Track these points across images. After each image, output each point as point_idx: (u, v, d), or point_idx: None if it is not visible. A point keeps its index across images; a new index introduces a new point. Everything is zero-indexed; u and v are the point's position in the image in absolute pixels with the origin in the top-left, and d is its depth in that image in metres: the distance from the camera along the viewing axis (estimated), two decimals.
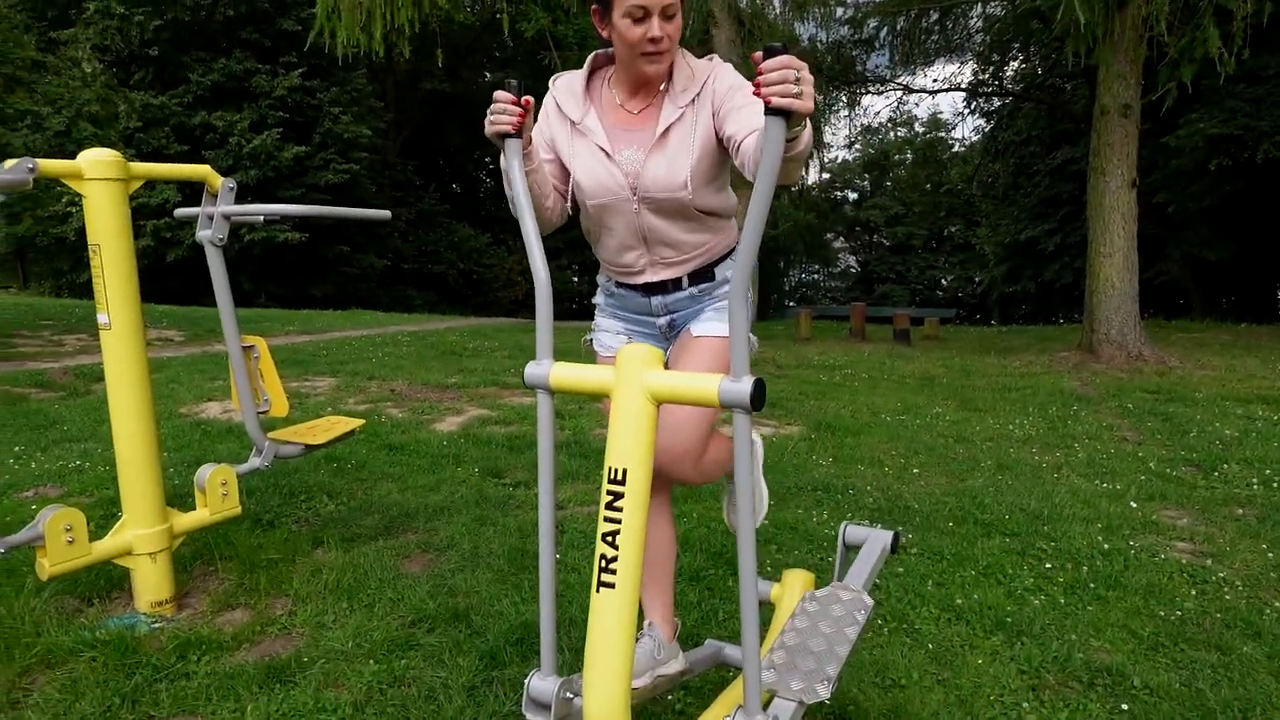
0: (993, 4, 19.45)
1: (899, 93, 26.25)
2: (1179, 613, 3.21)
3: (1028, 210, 27.76)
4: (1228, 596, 3.35)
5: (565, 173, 2.17)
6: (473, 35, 27.96)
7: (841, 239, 49.77)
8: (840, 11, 18.79)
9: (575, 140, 2.14)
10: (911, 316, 12.59)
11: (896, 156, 47.88)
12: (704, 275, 2.23)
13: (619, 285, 2.29)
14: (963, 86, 27.39)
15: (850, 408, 7.18)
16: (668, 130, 2.06)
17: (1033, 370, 8.99)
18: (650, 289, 2.24)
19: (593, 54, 2.17)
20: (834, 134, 47.29)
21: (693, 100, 2.06)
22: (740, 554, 1.67)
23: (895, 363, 9.81)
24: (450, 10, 15.81)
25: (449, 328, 13.51)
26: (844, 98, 26.05)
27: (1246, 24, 8.09)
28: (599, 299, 2.37)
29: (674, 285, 2.22)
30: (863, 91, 26.59)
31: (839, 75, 23.38)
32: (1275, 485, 4.76)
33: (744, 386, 1.59)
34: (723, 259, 2.25)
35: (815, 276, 51.34)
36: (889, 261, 45.56)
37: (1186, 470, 5.12)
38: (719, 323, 2.21)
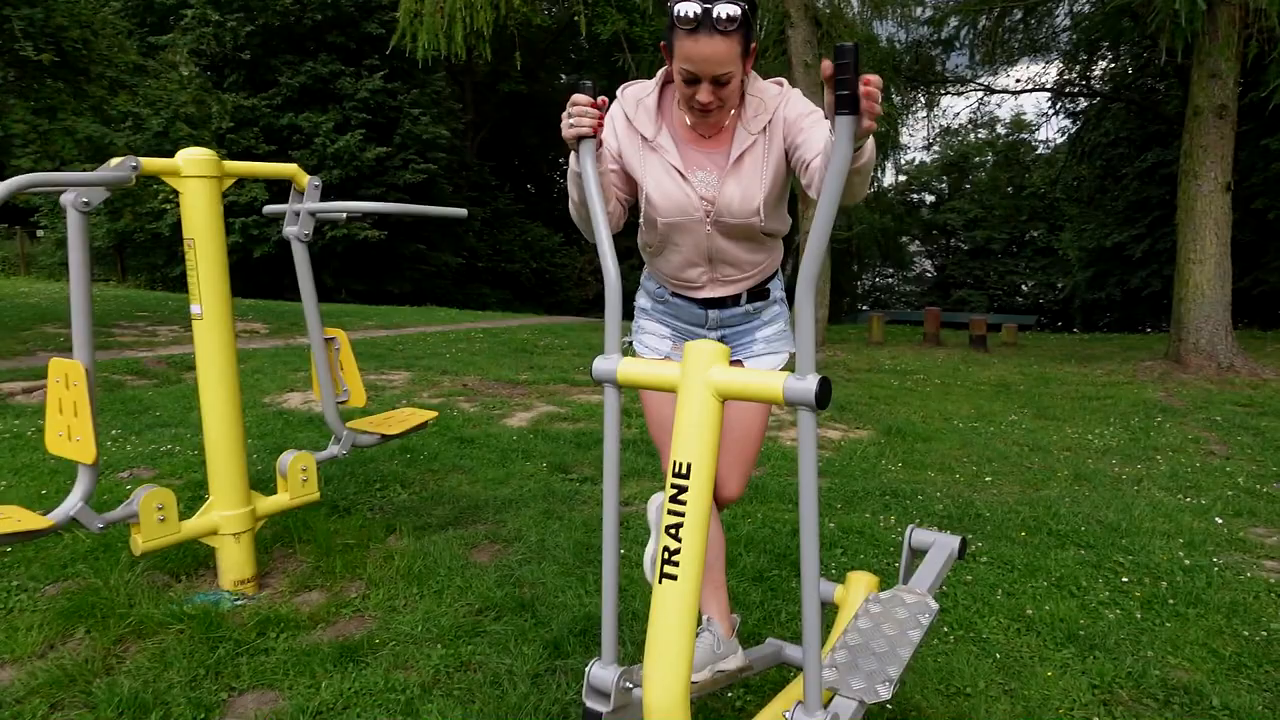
0: (1081, 2, 18.85)
1: (980, 93, 25.66)
2: (1264, 633, 3.09)
3: (1115, 215, 26.80)
4: None
5: (627, 183, 2.20)
6: (550, 37, 28.32)
7: (918, 243, 48.77)
8: (919, 11, 18.45)
9: (647, 155, 2.16)
10: (989, 322, 12.28)
11: (976, 159, 46.70)
12: (760, 293, 2.31)
13: (674, 295, 2.32)
14: (1047, 87, 26.58)
15: (921, 413, 7.06)
16: (741, 156, 2.10)
17: (1115, 380, 8.69)
18: (708, 303, 2.28)
19: (663, 69, 2.19)
20: (911, 135, 46.42)
21: (764, 128, 2.09)
22: (803, 551, 1.68)
23: (970, 369, 9.59)
24: (528, 13, 16.05)
25: (521, 325, 13.72)
26: (922, 98, 25.58)
27: None
28: (645, 303, 2.39)
29: (732, 301, 2.28)
30: (942, 92, 26.05)
31: (917, 75, 22.94)
32: None
33: (809, 384, 1.60)
34: (774, 276, 2.35)
35: (890, 280, 50.41)
36: (967, 266, 44.45)
37: (1278, 487, 4.90)
38: (771, 355, 2.32)
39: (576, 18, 15.36)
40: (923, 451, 5.79)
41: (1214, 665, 2.87)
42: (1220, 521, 4.25)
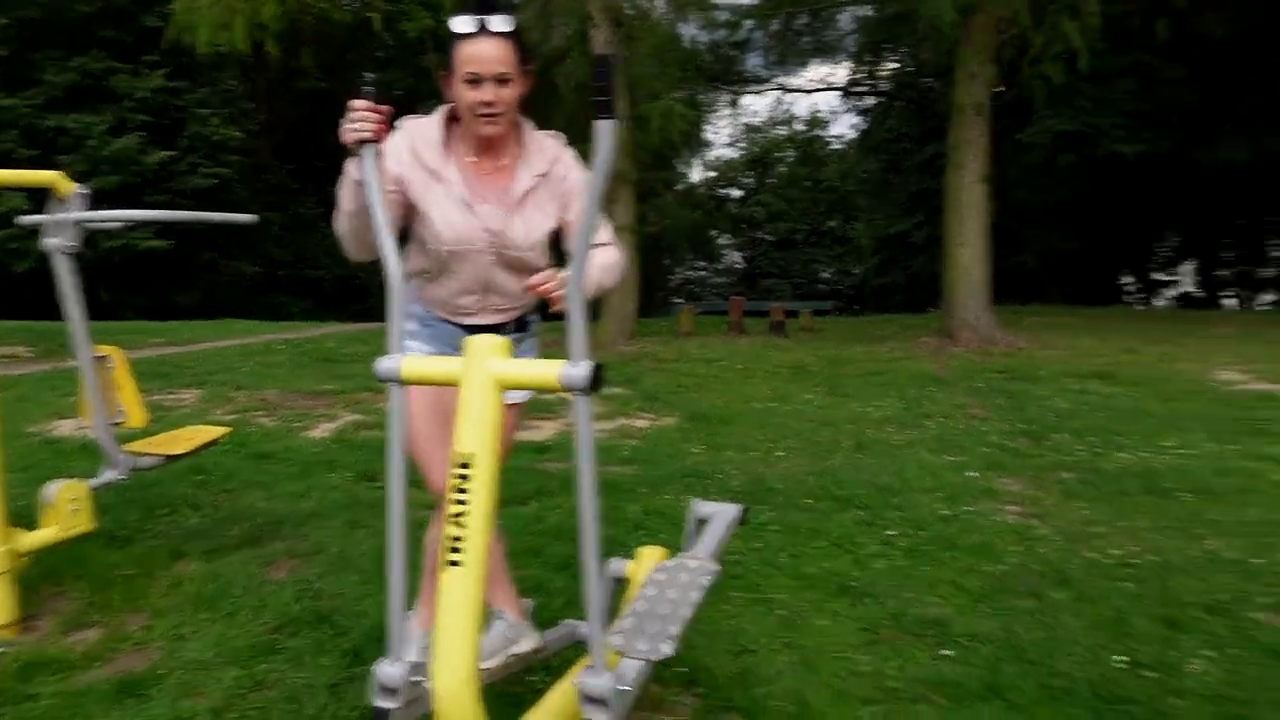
0: (865, 7, 20.23)
1: (777, 92, 27.11)
2: (1003, 568, 3.52)
3: (899, 204, 29.03)
4: (1044, 550, 3.69)
5: (400, 210, 2.24)
6: (348, 34, 27.26)
7: (726, 236, 50.71)
8: (718, 14, 19.21)
9: (433, 186, 2.22)
10: (786, 309, 13.05)
11: (777, 154, 49.12)
12: (522, 325, 2.46)
13: (441, 320, 2.40)
14: (837, 86, 28.46)
15: (724, 398, 7.43)
16: (525, 195, 2.26)
17: (896, 356, 9.50)
18: (474, 330, 2.35)
19: (445, 106, 2.26)
20: (716, 133, 48.10)
21: (544, 174, 2.27)
22: (581, 523, 1.80)
23: (770, 353, 10.18)
24: (326, 8, 15.39)
25: (325, 334, 13.20)
26: (725, 97, 26.77)
27: (1099, 22, 8.75)
28: (411, 326, 2.41)
29: (497, 330, 2.36)
30: (742, 90, 27.38)
31: (719, 75, 23.99)
32: (1098, 450, 5.23)
33: (582, 370, 1.73)
34: (534, 310, 2.49)
35: (701, 273, 52.17)
36: (772, 256, 46.71)
37: (1023, 441, 5.56)
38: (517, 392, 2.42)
39: (370, 15, 14.90)
40: (724, 434, 6.11)
41: (962, 599, 3.25)
42: (975, 475, 4.79)
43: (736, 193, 50.60)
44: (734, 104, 28.94)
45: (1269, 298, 27.52)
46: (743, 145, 49.07)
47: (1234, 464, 4.83)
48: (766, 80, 25.98)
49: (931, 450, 5.38)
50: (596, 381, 1.76)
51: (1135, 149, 15.60)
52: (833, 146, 46.57)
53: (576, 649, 2.74)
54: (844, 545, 3.80)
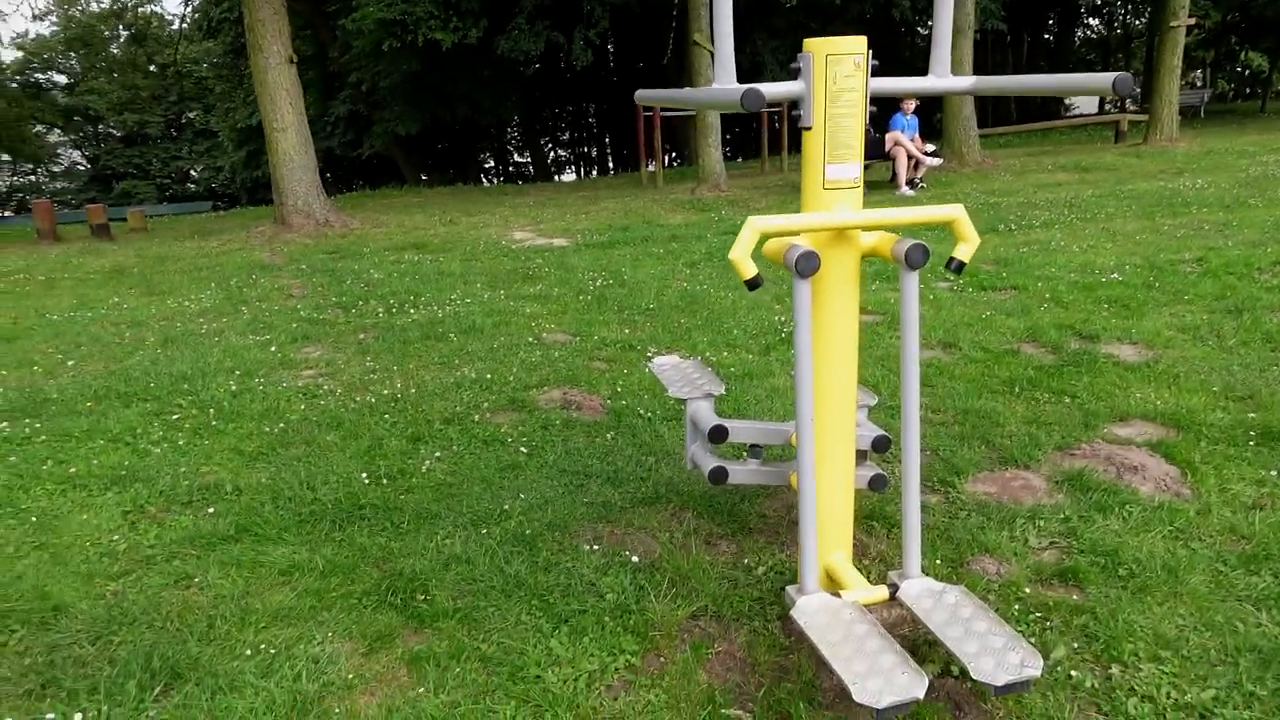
0: None
1: None
2: (283, 425, 3.81)
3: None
4: (325, 403, 4.07)
5: None
6: None
7: (59, 132, 42.16)
8: None
9: None
10: (109, 211, 11.57)
11: (108, 33, 41.73)
12: None
13: None
14: None
15: (13, 314, 6.44)
16: None
17: (229, 248, 9.19)
18: None
19: None
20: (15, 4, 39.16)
21: None
22: None
23: (85, 259, 9.01)
24: None
25: None
26: None
27: None
28: None
29: None
30: None
31: None
32: (394, 311, 5.83)
33: None
34: None
35: (32, 178, 42.93)
36: (124, 155, 40.27)
37: (333, 312, 5.92)
38: None
39: None
40: (6, 352, 5.33)
41: (237, 462, 3.45)
42: (275, 350, 4.99)
43: (60, 78, 42.06)
44: None
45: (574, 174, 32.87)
46: (55, 21, 40.69)
47: (500, 305, 5.83)
48: None
49: (240, 334, 5.43)
50: None
51: (450, 37, 16.92)
52: (174, 26, 41.18)
53: None
54: (123, 439, 3.70)
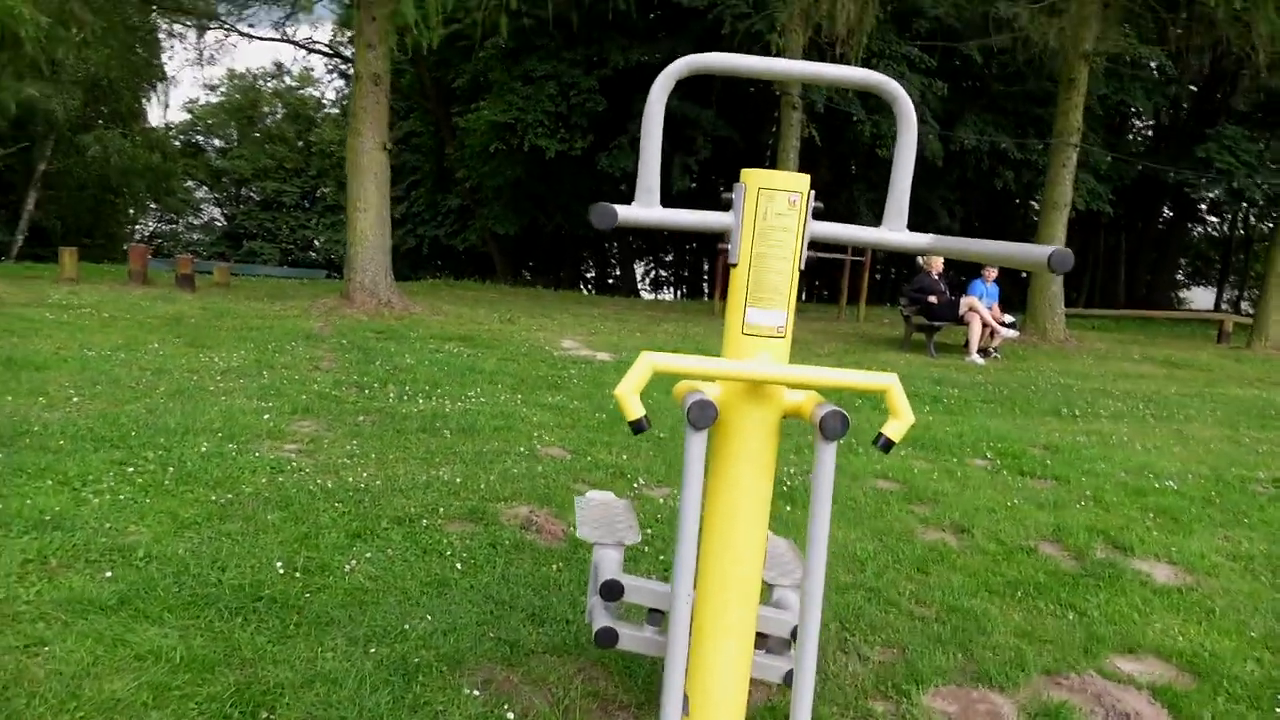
0: None
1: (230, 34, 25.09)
2: (230, 496, 3.66)
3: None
4: (285, 480, 3.92)
5: None
6: None
7: (205, 188, 45.57)
8: None
9: None
10: (196, 263, 12.13)
11: (267, 109, 45.48)
12: None
13: None
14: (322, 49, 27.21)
15: (57, 345, 6.62)
16: None
17: (288, 314, 9.41)
18: None
19: None
20: (191, 70, 43.05)
21: None
22: None
23: (154, 304, 9.34)
24: None
25: None
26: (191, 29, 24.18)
27: (441, 6, 9.44)
28: None
29: None
30: (205, 24, 24.83)
31: (179, 5, 21.48)
32: (406, 398, 5.74)
33: None
34: None
35: (174, 226, 46.23)
36: (258, 218, 43.13)
37: (347, 390, 5.87)
38: None
39: None
40: (30, 380, 5.43)
41: (166, 526, 3.29)
42: (268, 418, 4.91)
43: (218, 142, 45.80)
44: (201, 38, 26.21)
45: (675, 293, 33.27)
46: (224, 93, 44.65)
47: (510, 409, 5.68)
48: (218, 16, 24.09)
49: (247, 397, 5.40)
50: None
51: (554, 145, 17.61)
52: (328, 111, 44.54)
53: None
54: (72, 483, 3.61)
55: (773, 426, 1.83)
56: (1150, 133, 28.09)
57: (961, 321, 10.82)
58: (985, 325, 10.76)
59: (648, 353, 1.69)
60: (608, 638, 2.12)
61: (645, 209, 1.74)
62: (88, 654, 2.38)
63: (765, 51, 12.46)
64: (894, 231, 1.85)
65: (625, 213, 1.68)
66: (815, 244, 1.86)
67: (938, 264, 10.94)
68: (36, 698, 2.17)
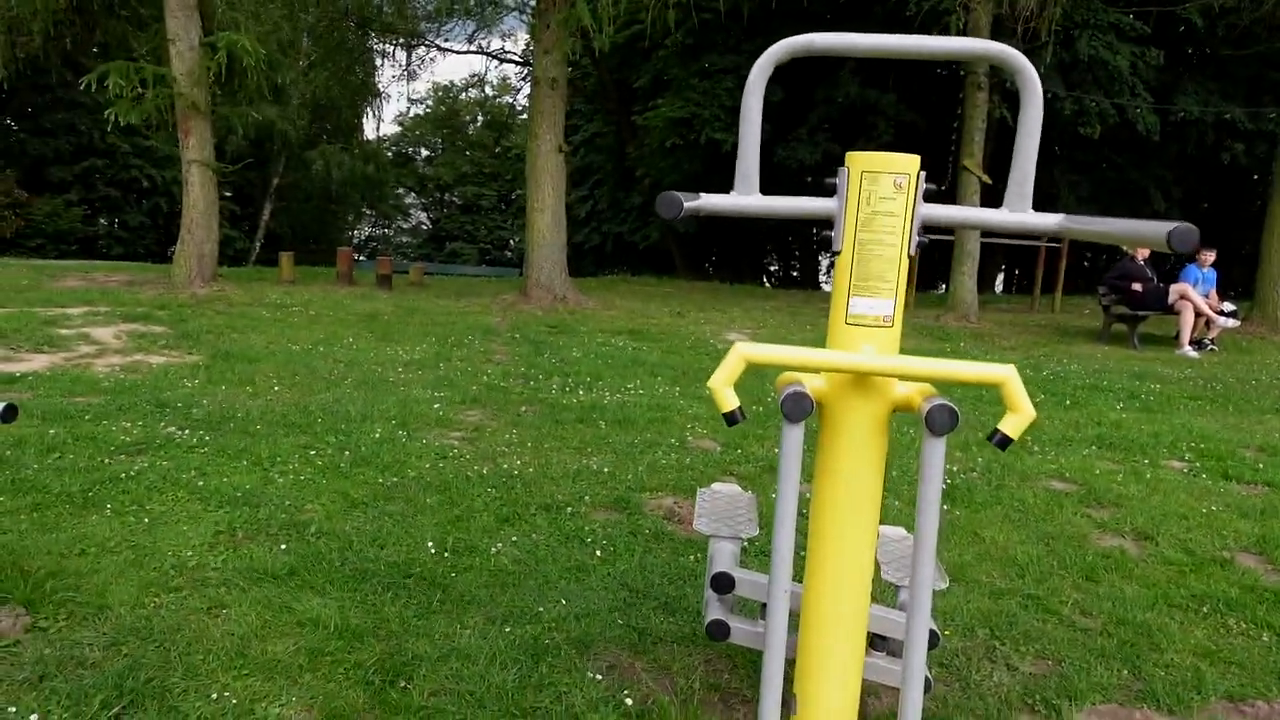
0: None
1: (438, 51, 26.89)
2: (397, 479, 3.93)
3: (569, 178, 30.00)
4: (445, 466, 4.15)
5: None
6: None
7: (413, 195, 49.33)
8: None
9: None
10: (394, 264, 13.07)
11: (468, 118, 48.55)
12: None
13: None
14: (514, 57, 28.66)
15: (269, 340, 7.34)
16: None
17: (471, 310, 9.96)
18: None
19: None
20: (400, 87, 46.56)
21: None
22: None
23: (354, 303, 10.16)
24: None
25: None
26: (400, 50, 26.22)
27: (613, 9, 9.59)
28: None
29: None
30: (412, 43, 26.84)
31: (392, 25, 23.37)
32: (569, 390, 5.93)
33: None
34: None
35: (386, 230, 50.35)
36: (459, 220, 46.15)
37: (514, 381, 6.14)
38: None
39: None
40: (240, 371, 6.06)
41: (340, 505, 3.58)
42: (439, 407, 5.22)
43: (425, 152, 49.41)
44: (408, 57, 28.35)
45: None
46: (429, 105, 48.08)
47: (668, 402, 5.74)
48: (424, 35, 25.83)
49: (423, 387, 5.76)
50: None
51: (730, 138, 17.54)
52: (521, 117, 46.86)
53: None
54: (263, 464, 4.00)
55: (880, 420, 1.75)
56: None
57: (1172, 311, 9.83)
58: (1199, 314, 9.73)
59: (741, 344, 1.66)
60: (719, 631, 2.11)
61: (732, 197, 1.71)
62: (258, 618, 2.64)
63: (945, 33, 11.83)
64: (1016, 212, 1.71)
65: (700, 201, 1.65)
66: (929, 228, 1.76)
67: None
68: (211, 655, 2.43)
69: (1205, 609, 3.07)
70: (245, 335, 7.52)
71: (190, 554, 3.04)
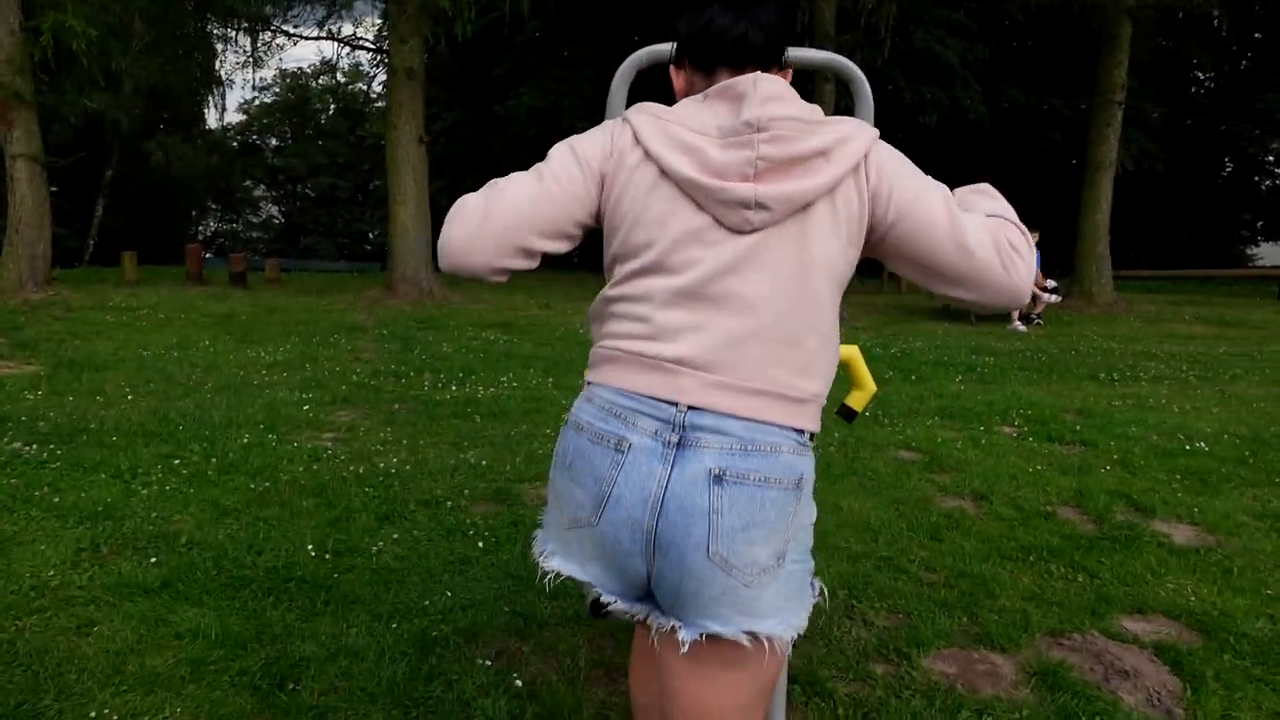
0: None
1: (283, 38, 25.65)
2: (269, 484, 3.87)
3: (430, 168, 29.27)
4: (319, 468, 4.12)
5: None
6: None
7: (263, 187, 46.74)
8: None
9: None
10: (248, 261, 12.56)
11: (319, 106, 46.35)
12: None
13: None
14: (350, 41, 27.64)
15: (116, 346, 6.97)
16: None
17: (335, 307, 9.72)
18: None
19: None
20: (241, 74, 44.30)
21: None
22: None
23: (208, 303, 9.74)
24: None
25: None
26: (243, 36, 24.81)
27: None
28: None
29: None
30: (265, 28, 25.45)
31: (232, 10, 22.08)
32: (441, 385, 5.93)
33: None
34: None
35: (235, 226, 47.57)
36: (313, 213, 44.09)
37: (385, 380, 6.08)
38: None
39: None
40: (86, 380, 5.75)
41: (211, 514, 3.51)
42: (309, 409, 5.13)
43: (274, 141, 46.89)
44: (253, 43, 26.86)
45: None
46: (276, 92, 45.64)
47: (541, 393, 5.83)
48: (264, 16, 24.66)
49: (290, 390, 5.64)
50: None
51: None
52: (376, 105, 45.18)
53: None
54: (124, 476, 3.85)
55: None
56: (1211, 85, 27.06)
57: None
58: None
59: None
60: (598, 610, 2.24)
61: None
62: (132, 633, 2.59)
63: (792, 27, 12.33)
64: None
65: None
66: None
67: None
68: (85, 673, 2.37)
69: (1032, 558, 3.45)
70: (89, 342, 7.10)
71: (52, 573, 2.92)
